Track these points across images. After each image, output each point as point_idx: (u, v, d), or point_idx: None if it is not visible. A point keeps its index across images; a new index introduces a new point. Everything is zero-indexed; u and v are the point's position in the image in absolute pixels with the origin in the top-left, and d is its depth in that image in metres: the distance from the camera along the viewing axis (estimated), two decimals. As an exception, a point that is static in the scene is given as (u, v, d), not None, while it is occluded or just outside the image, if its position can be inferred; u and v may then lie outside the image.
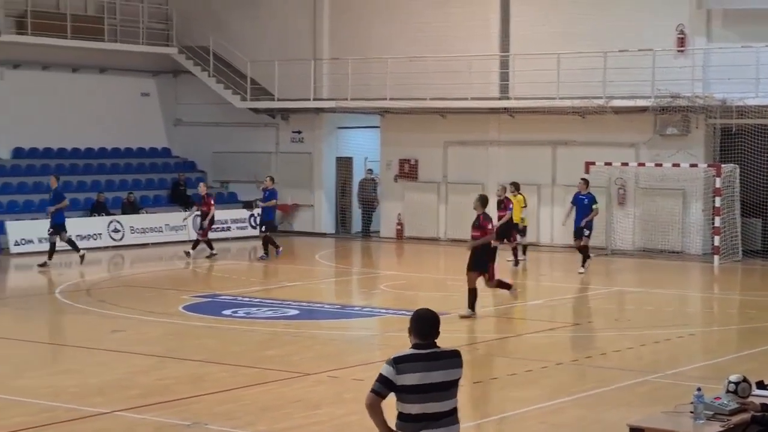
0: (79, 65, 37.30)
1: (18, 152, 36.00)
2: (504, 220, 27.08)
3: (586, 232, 26.98)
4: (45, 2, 36.37)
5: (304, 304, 21.84)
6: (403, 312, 20.79)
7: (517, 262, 28.26)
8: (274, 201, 30.68)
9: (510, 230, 27.66)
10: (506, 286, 20.99)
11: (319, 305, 22.16)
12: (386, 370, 7.92)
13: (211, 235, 30.80)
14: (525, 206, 29.18)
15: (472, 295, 19.94)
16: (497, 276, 20.50)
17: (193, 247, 30.30)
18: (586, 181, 27.71)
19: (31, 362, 16.36)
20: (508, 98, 33.73)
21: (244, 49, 37.82)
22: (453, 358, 8.06)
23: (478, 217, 19.93)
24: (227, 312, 20.77)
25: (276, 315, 20.43)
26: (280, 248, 30.23)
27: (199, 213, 30.78)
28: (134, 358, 16.53)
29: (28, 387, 14.44)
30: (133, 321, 20.09)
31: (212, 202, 30.66)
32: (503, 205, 27.65)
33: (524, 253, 29.36)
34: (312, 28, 37.43)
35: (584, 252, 26.97)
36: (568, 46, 31.85)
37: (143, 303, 22.19)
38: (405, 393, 7.87)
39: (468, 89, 33.37)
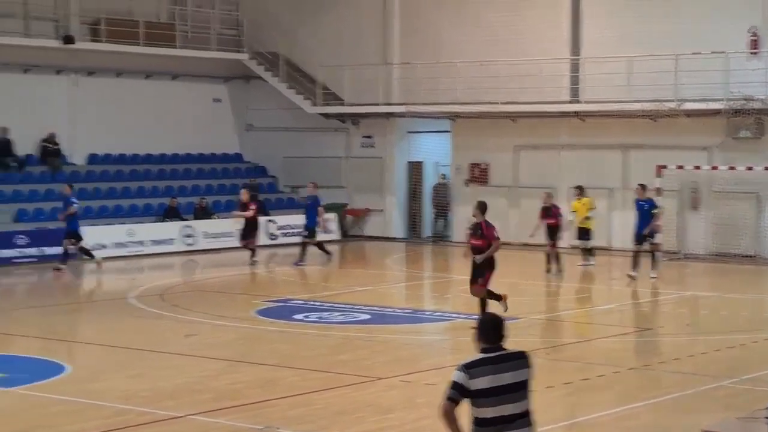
0: (151, 72, 37.68)
1: (93, 158, 36.43)
2: (560, 225, 26.73)
3: (652, 238, 26.46)
4: (118, 10, 36.79)
5: (376, 308, 21.86)
6: (475, 317, 20.75)
7: (549, 269, 27.08)
8: (321, 207, 30.46)
9: (554, 235, 27.25)
10: (496, 297, 19.25)
11: (390, 310, 22.17)
12: (458, 376, 7.93)
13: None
14: (592, 208, 28.95)
15: (483, 305, 19.10)
16: (489, 286, 19.07)
17: (252, 255, 29.88)
18: (643, 186, 26.98)
19: (105, 366, 16.54)
20: (578, 102, 33.57)
21: (314, 55, 37.97)
22: (521, 359, 8.08)
23: (479, 225, 18.93)
24: (299, 316, 20.84)
25: (348, 319, 20.47)
26: (303, 262, 29.62)
27: (242, 220, 30.21)
28: (206, 362, 16.65)
29: (103, 390, 14.59)
30: (206, 325, 20.24)
31: (255, 208, 30.28)
32: (551, 212, 27.34)
33: (592, 255, 29.09)
34: (382, 33, 37.50)
35: (653, 256, 26.42)
36: (639, 49, 31.59)
37: (215, 308, 22.33)
38: (478, 397, 7.88)
39: (539, 93, 33.23)
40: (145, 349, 17.57)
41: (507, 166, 35.32)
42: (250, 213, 29.85)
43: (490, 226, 18.93)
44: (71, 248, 28.36)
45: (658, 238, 27.13)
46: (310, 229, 30.08)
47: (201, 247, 33.37)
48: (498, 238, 18.92)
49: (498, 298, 19.30)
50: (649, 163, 31.41)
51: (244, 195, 30.21)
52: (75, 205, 28.39)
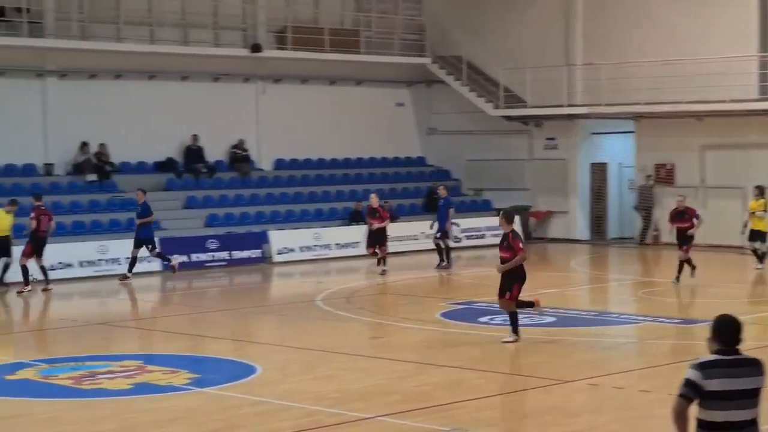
0: (336, 77, 38.25)
1: (279, 163, 37.17)
2: (694, 230, 25.31)
3: None
4: (304, 17, 37.49)
5: (561, 310, 21.73)
6: (662, 319, 20.50)
7: (678, 279, 25.27)
8: (452, 209, 30.35)
9: (687, 240, 25.36)
10: (528, 304, 18.65)
11: (575, 312, 22.02)
12: (692, 374, 7.75)
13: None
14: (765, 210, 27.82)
15: (513, 318, 18.30)
16: (517, 298, 18.24)
17: (378, 263, 29.06)
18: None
19: (295, 367, 16.85)
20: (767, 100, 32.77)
21: (496, 57, 37.98)
22: (756, 366, 7.88)
23: (506, 235, 18.06)
24: (484, 319, 20.87)
25: (533, 322, 20.39)
26: (445, 263, 29.79)
27: (370, 226, 29.18)
28: (393, 364, 16.82)
29: (293, 391, 14.88)
30: (392, 328, 20.45)
31: (387, 215, 29.43)
32: (687, 215, 25.47)
33: (762, 260, 28.05)
34: (565, 34, 37.27)
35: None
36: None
37: (401, 310, 22.55)
38: (711, 399, 7.71)
39: (725, 91, 32.55)
40: (333, 351, 17.83)
41: (693, 166, 34.70)
42: (384, 223, 28.85)
43: (516, 237, 18.13)
44: (148, 255, 28.13)
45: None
46: (443, 231, 30.04)
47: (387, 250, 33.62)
48: (523, 249, 18.03)
49: (530, 305, 18.71)
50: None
51: (373, 200, 29.11)
52: (153, 214, 28.29)
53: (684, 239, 25.36)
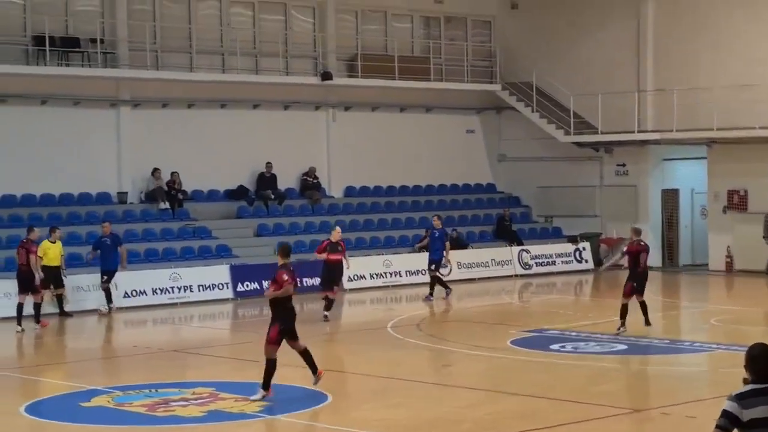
0: (406, 105, 38.36)
1: (349, 191, 37.31)
2: None
3: None
4: (374, 45, 37.72)
5: (633, 338, 21.58)
6: (735, 347, 20.27)
7: None
8: (448, 242, 29.90)
9: None
10: (313, 368, 16.70)
11: (647, 340, 21.84)
12: (729, 405, 7.77)
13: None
14: None
15: (268, 369, 16.25)
16: (274, 340, 16.28)
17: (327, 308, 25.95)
18: None
19: (366, 395, 16.89)
20: (844, 124, 32.37)
21: (567, 83, 37.88)
22: None
23: (276, 268, 16.42)
24: (555, 346, 20.78)
25: (604, 350, 20.28)
26: (449, 289, 29.40)
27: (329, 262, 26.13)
28: (464, 392, 16.80)
29: (364, 419, 14.91)
30: (462, 355, 20.42)
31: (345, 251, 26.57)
32: None
33: None
34: (636, 60, 37.10)
35: None
36: None
37: (471, 337, 22.51)
38: (751, 428, 7.69)
39: (800, 116, 32.24)
40: (404, 378, 17.85)
41: (767, 192, 34.30)
42: (323, 256, 25.99)
43: (283, 269, 16.20)
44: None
45: None
46: (436, 261, 29.55)
47: (456, 277, 33.64)
48: (289, 282, 16.00)
49: (314, 370, 16.75)
50: None
51: (336, 233, 26.36)
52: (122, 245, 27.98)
53: None
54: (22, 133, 31.22)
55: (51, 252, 26.08)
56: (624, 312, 22.25)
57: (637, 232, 22.95)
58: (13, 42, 31.21)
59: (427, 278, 30.05)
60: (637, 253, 22.52)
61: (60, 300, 26.81)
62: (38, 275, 25.02)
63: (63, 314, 26.73)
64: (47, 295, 26.20)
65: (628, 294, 22.40)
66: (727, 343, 20.91)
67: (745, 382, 7.94)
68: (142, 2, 33.59)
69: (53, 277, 26.28)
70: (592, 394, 16.50)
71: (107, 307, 27.18)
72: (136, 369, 20.26)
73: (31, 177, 31.33)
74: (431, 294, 29.27)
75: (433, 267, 29.71)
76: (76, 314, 26.85)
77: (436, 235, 29.62)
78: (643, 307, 22.66)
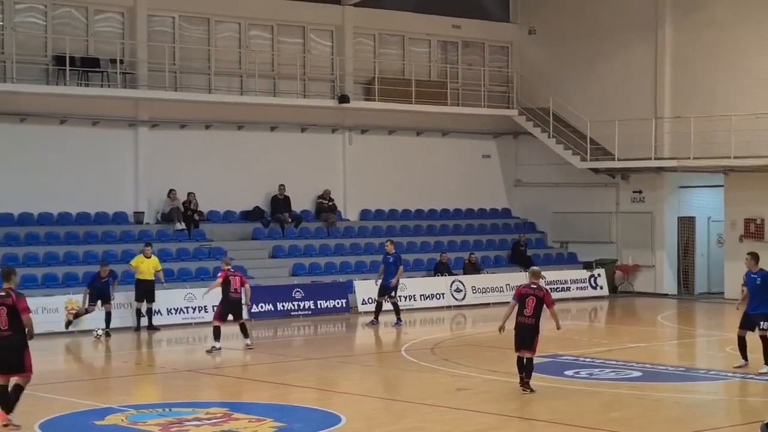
0: (422, 129, 38.44)
1: (365, 214, 37.36)
2: None
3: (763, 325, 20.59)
4: (391, 69, 37.84)
5: (648, 365, 21.52)
6: (751, 376, 20.20)
7: None
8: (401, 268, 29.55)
9: None
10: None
11: (662, 367, 21.79)
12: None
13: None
14: None
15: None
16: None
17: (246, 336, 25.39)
18: (755, 256, 21.17)
19: (380, 418, 16.87)
20: None
21: (583, 110, 37.91)
22: None
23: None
24: (569, 372, 20.75)
25: (619, 376, 20.24)
26: (376, 322, 29.12)
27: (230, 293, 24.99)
28: (478, 416, 16.76)
29: (378, 442, 14.90)
30: (477, 380, 20.39)
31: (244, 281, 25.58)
32: None
33: None
34: (653, 87, 37.13)
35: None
36: None
37: (486, 362, 22.47)
38: None
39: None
40: (418, 401, 17.82)
41: (784, 221, 34.28)
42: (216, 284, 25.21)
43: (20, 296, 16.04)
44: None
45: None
46: (385, 287, 29.23)
47: (470, 301, 33.66)
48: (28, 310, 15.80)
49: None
50: None
51: (225, 263, 25.27)
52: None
53: None
54: (41, 152, 31.37)
55: (143, 266, 27.60)
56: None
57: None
58: (33, 62, 31.40)
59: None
60: None
61: (149, 314, 27.88)
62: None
63: (151, 328, 27.84)
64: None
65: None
66: (743, 372, 20.82)
67: None
68: (162, 24, 33.77)
69: (146, 291, 27.66)
70: (606, 420, 16.45)
71: (102, 332, 26.96)
72: (151, 388, 20.29)
73: (48, 196, 31.46)
74: (376, 318, 29.12)
75: (393, 294, 29.34)
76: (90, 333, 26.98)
77: (390, 261, 29.32)
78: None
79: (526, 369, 18.49)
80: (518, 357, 18.65)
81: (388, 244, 29.78)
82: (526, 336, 18.52)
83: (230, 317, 24.55)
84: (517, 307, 18.68)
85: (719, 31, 35.67)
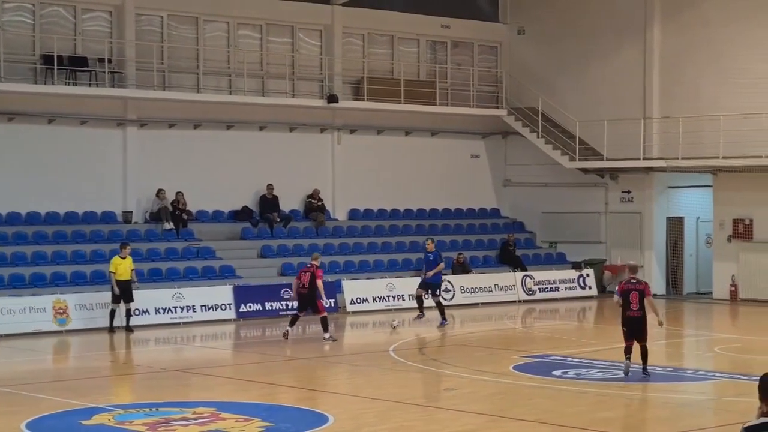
0: (411, 128, 38.44)
1: (354, 214, 37.34)
2: None
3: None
4: (380, 69, 37.82)
5: (635, 365, 21.51)
6: (739, 376, 20.22)
7: None
8: (442, 264, 29.77)
9: None
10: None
11: (651, 367, 21.77)
12: None
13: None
14: None
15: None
16: None
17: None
18: None
19: (368, 417, 16.82)
20: None
21: (572, 110, 37.94)
22: None
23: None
24: (557, 372, 20.74)
25: (607, 376, 20.23)
26: (422, 315, 29.51)
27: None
28: (466, 416, 16.73)
29: (366, 442, 14.86)
30: (465, 380, 20.38)
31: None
32: None
33: None
34: (642, 87, 37.16)
35: None
36: None
37: (474, 362, 22.46)
38: None
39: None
40: (406, 401, 17.80)
41: (773, 222, 34.33)
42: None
43: None
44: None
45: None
46: (437, 286, 29.58)
47: (458, 302, 33.64)
48: None
49: None
50: None
51: (311, 260, 26.69)
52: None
53: None
54: (29, 152, 31.30)
55: (122, 267, 27.29)
56: None
57: None
58: (21, 60, 31.33)
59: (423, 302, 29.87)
60: None
61: (128, 315, 27.59)
62: (115, 290, 27.10)
63: (128, 329, 27.46)
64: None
65: None
66: (731, 372, 20.85)
67: (760, 411, 7.81)
68: (150, 23, 33.71)
69: (124, 292, 27.35)
70: (594, 420, 16.44)
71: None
72: (138, 388, 20.24)
73: (36, 195, 31.40)
74: (444, 318, 29.09)
75: (438, 292, 29.56)
76: (82, 332, 26.96)
77: (431, 258, 29.44)
78: None
79: (643, 357, 19.80)
80: (627, 345, 19.93)
81: (429, 242, 29.91)
82: (636, 328, 19.79)
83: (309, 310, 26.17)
84: (622, 303, 19.80)
85: (707, 32, 35.72)
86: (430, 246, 29.59)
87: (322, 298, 26.20)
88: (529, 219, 40.23)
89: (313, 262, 26.01)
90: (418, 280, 33.56)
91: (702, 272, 37.28)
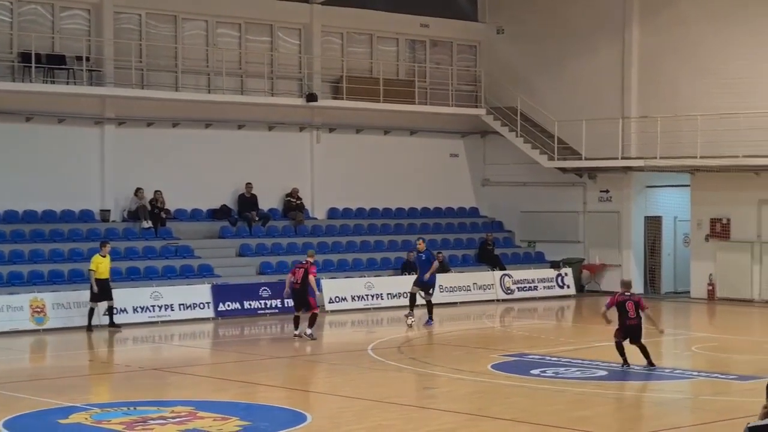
0: (390, 127, 38.43)
1: (332, 213, 37.31)
2: None
3: None
4: (359, 68, 37.80)
5: (614, 364, 21.57)
6: (716, 375, 20.30)
7: None
8: (436, 263, 29.52)
9: None
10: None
11: (628, 366, 21.84)
12: None
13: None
14: None
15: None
16: None
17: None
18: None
19: (346, 416, 16.82)
20: (826, 154, 32.51)
21: (551, 109, 38.01)
22: None
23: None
24: (535, 371, 20.77)
25: (585, 375, 20.28)
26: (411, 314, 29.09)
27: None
28: (444, 414, 16.75)
29: (344, 440, 14.85)
30: (443, 378, 20.39)
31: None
32: None
33: None
34: (620, 87, 37.24)
35: None
36: None
37: (452, 361, 22.48)
38: None
39: (783, 145, 32.37)
40: (384, 400, 17.80)
41: (750, 221, 34.45)
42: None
43: None
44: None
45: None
46: (431, 285, 29.28)
47: (437, 300, 33.57)
48: None
49: None
50: None
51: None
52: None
53: None
54: (6, 150, 31.16)
55: (102, 265, 27.27)
56: None
57: None
58: (-2, 58, 31.20)
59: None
60: None
61: (110, 312, 27.54)
62: (94, 288, 27.12)
63: (112, 326, 27.39)
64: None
65: None
66: (708, 371, 20.93)
67: (765, 411, 7.82)
68: (129, 21, 33.61)
69: (104, 290, 27.30)
70: (572, 419, 16.47)
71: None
72: (115, 387, 20.19)
73: (14, 193, 31.26)
74: (431, 318, 29.04)
75: (431, 291, 29.45)
76: (60, 331, 26.88)
77: (423, 258, 29.29)
78: None
79: (644, 352, 21.11)
80: (619, 342, 21.13)
81: (419, 242, 29.54)
82: (635, 334, 21.16)
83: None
84: (618, 314, 21.14)
85: (686, 32, 35.83)
86: (421, 246, 29.31)
87: (314, 295, 26.28)
88: (508, 218, 40.27)
89: (308, 259, 26.22)
90: (396, 279, 33.70)
91: (680, 271, 37.39)
